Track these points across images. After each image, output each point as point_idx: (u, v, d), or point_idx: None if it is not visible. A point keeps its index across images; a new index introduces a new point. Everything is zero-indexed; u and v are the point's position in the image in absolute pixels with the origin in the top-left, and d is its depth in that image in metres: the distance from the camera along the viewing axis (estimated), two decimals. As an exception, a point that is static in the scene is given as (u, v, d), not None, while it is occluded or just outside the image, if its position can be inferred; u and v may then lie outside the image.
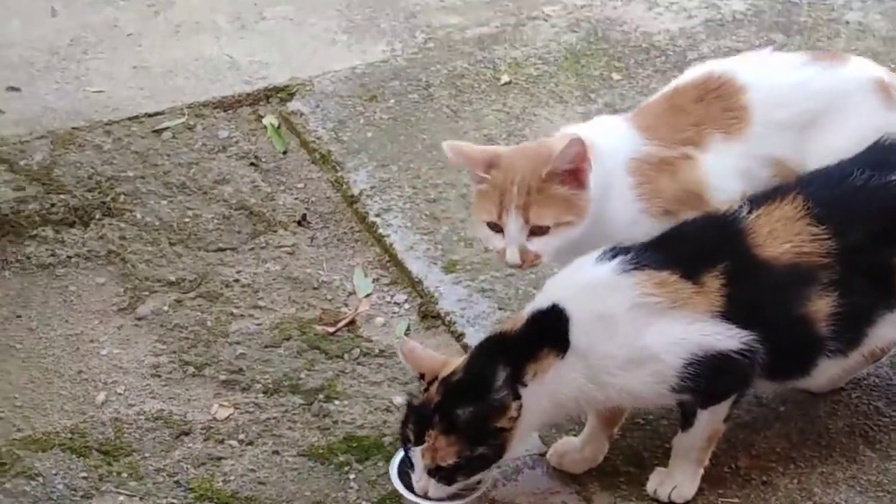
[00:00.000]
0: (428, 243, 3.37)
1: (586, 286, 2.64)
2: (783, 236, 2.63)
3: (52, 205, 3.47)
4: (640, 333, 2.59)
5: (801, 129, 2.93)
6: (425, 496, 2.65)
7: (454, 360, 2.67)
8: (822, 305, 2.63)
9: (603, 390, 2.64)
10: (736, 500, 2.78)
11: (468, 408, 2.56)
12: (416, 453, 2.61)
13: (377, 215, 3.46)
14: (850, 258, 2.63)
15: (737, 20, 4.10)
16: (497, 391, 2.56)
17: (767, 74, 2.98)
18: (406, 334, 3.15)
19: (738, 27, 4.07)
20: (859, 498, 2.76)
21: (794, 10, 4.12)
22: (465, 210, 3.43)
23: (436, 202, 3.48)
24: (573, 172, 2.74)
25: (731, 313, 2.59)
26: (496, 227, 2.79)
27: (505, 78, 3.89)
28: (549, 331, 2.62)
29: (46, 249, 3.36)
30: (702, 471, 2.78)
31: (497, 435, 2.59)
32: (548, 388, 2.62)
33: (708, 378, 2.60)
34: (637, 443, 2.90)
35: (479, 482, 2.68)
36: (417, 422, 2.62)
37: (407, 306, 3.24)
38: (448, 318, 3.18)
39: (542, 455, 2.87)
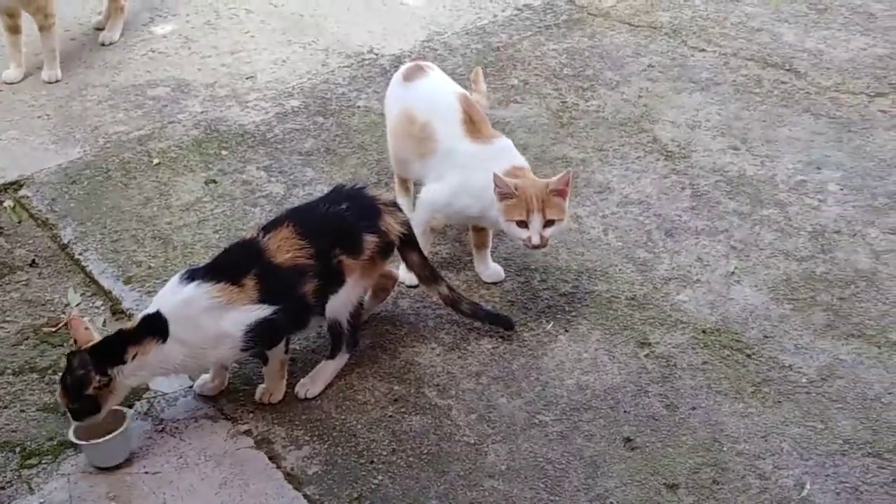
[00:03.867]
0: (113, 268, 3.34)
1: (179, 300, 2.64)
2: (285, 248, 2.71)
3: None
4: (216, 323, 2.63)
5: None
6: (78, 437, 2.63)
7: (94, 341, 2.63)
8: (310, 287, 2.74)
9: (201, 360, 2.69)
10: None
11: (68, 376, 2.57)
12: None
13: (80, 254, 3.40)
14: (320, 257, 2.74)
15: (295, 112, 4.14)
16: (79, 373, 2.55)
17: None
18: (103, 325, 3.09)
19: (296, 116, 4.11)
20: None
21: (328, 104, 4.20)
22: (136, 245, 3.41)
23: (116, 242, 3.45)
24: (562, 191, 2.92)
25: (264, 298, 2.67)
26: (523, 224, 2.91)
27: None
28: (153, 326, 2.61)
29: None
30: (284, 383, 2.85)
31: (89, 397, 2.57)
32: (151, 361, 2.61)
33: (261, 336, 2.67)
34: (247, 371, 2.95)
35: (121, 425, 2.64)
36: (62, 373, 2.61)
37: (103, 308, 3.19)
38: (129, 313, 3.14)
39: (190, 388, 2.89)
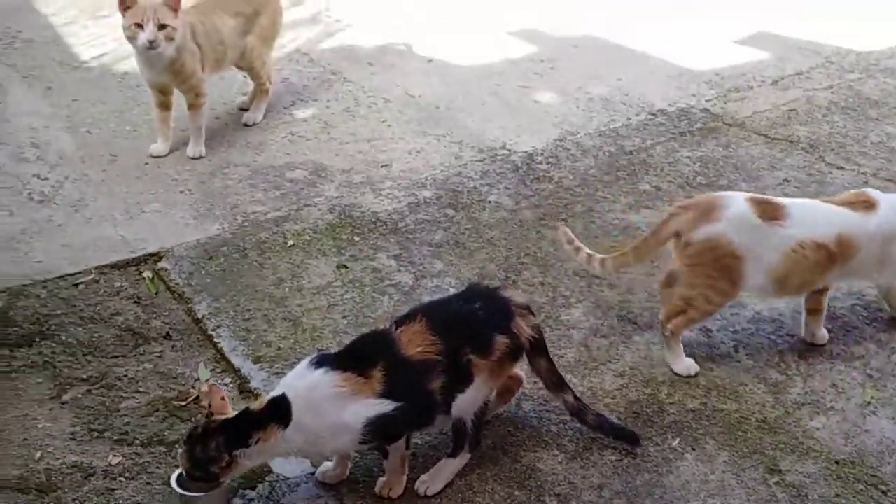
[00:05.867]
0: (244, 346, 3.38)
1: (305, 385, 2.65)
2: (416, 342, 2.69)
3: (8, 334, 3.40)
4: (338, 413, 2.62)
5: None
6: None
7: (228, 414, 2.67)
8: (438, 383, 2.71)
9: (319, 448, 2.69)
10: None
11: (199, 448, 2.61)
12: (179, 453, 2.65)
13: (213, 330, 3.46)
14: (451, 354, 2.71)
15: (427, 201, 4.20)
16: (209, 450, 2.59)
17: None
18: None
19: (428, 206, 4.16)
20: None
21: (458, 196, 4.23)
22: (267, 324, 3.44)
23: (248, 321, 3.50)
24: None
25: (389, 392, 2.64)
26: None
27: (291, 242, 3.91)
28: (278, 411, 2.62)
29: (3, 362, 3.27)
30: (405, 478, 2.82)
31: (212, 472, 2.62)
32: (270, 447, 2.63)
33: (381, 431, 2.66)
34: (368, 462, 2.93)
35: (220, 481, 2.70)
36: (185, 437, 2.66)
37: (231, 385, 3.22)
38: (256, 392, 3.17)
39: (312, 474, 2.89)
